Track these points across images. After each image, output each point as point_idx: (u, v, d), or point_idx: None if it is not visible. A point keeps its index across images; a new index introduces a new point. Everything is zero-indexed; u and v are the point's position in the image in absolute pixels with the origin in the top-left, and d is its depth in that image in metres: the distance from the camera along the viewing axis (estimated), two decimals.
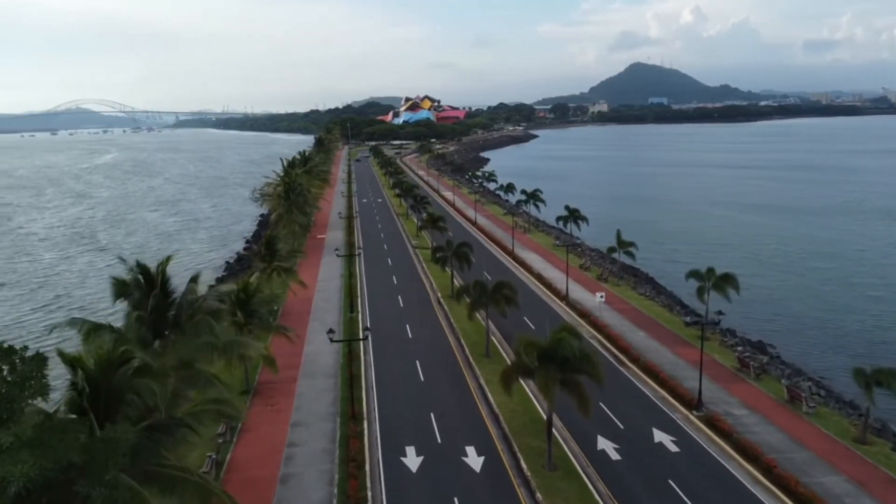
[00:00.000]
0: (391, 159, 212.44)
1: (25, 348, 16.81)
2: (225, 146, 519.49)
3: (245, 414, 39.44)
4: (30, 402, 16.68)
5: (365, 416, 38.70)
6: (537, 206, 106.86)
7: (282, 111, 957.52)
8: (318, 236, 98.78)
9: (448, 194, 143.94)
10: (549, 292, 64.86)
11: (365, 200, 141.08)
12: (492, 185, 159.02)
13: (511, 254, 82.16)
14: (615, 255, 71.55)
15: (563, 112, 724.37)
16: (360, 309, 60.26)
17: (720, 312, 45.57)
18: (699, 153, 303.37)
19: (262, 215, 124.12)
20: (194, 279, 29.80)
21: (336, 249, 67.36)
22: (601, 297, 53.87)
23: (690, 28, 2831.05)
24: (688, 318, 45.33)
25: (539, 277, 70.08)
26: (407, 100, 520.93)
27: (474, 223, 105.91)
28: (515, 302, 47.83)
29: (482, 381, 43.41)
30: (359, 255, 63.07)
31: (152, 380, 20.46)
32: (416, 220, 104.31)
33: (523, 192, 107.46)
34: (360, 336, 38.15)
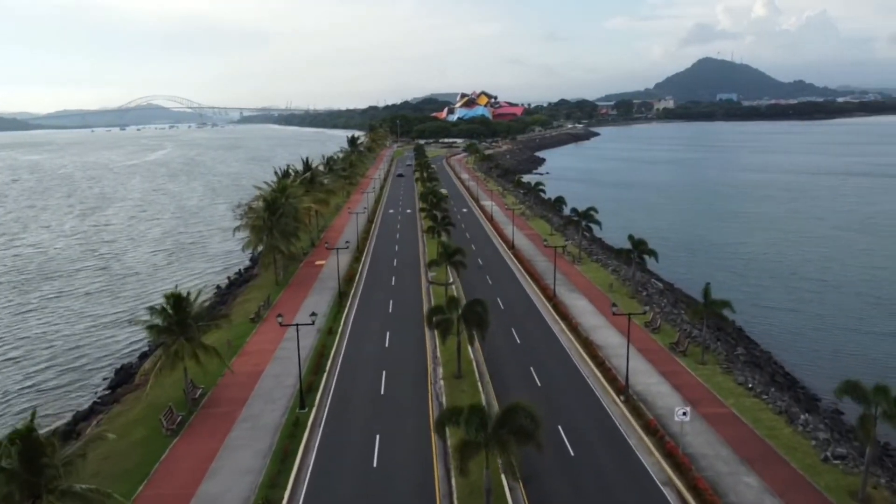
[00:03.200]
0: (427, 162, 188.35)
1: None
2: (280, 143, 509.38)
3: None
4: None
5: None
6: (590, 228, 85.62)
7: (343, 108, 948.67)
8: (317, 262, 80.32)
9: (488, 203, 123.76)
10: (599, 374, 44.44)
11: (391, 211, 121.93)
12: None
13: (552, 299, 61.58)
14: (702, 317, 49.84)
15: (628, 109, 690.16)
16: (316, 401, 41.10)
17: None
18: (780, 154, 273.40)
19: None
20: None
21: (279, 316, 47.76)
22: (684, 413, 33.27)
23: (763, 21, 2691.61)
24: None
25: (586, 345, 49.56)
26: (462, 96, 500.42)
27: (511, 247, 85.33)
28: (537, 441, 27.91)
29: None
30: (312, 322, 43.51)
31: None
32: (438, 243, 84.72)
33: (574, 210, 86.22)
34: None
